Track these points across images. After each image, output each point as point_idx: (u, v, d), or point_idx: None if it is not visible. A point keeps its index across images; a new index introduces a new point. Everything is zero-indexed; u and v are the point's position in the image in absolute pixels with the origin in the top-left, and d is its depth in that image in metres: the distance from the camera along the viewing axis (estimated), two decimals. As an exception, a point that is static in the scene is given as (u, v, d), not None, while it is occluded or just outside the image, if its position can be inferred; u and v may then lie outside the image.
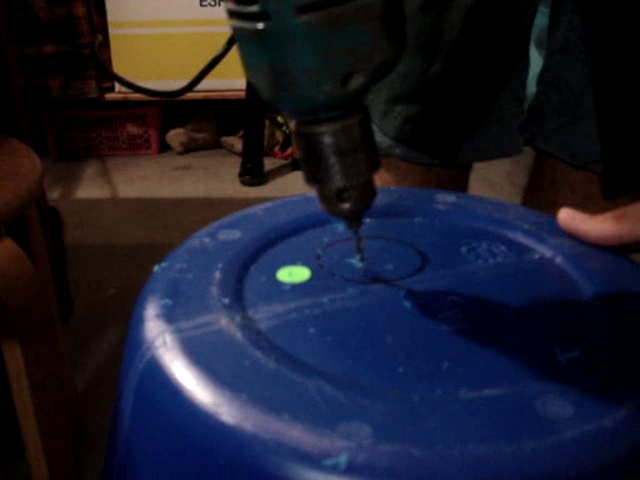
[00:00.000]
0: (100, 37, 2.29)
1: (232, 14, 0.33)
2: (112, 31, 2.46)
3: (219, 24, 2.45)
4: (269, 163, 2.57)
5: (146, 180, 2.49)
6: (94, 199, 2.36)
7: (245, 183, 2.44)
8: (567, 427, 0.30)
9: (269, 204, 0.52)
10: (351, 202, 0.37)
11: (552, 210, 0.76)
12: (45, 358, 0.82)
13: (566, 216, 0.45)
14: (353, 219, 0.38)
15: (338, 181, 0.35)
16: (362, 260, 0.42)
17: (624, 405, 0.31)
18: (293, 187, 2.41)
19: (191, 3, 2.44)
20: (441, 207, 0.51)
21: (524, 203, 0.83)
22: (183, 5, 2.44)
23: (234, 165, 2.53)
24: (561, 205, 0.77)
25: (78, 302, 1.51)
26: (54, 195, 2.31)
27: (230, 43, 0.62)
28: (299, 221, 0.49)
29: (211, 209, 2.20)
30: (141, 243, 2.02)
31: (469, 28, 0.68)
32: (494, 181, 2.04)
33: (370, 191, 0.37)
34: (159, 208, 2.26)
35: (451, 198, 0.52)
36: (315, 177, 0.36)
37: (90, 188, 2.44)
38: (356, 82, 0.32)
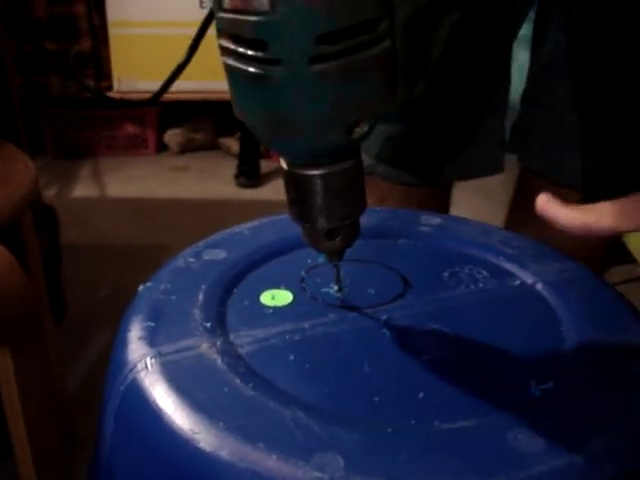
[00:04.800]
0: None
1: (230, 53, 0.31)
2: (112, 31, 2.46)
3: (218, 26, 2.45)
4: (265, 165, 2.57)
5: (143, 180, 2.49)
6: (90, 198, 2.36)
7: (241, 185, 2.44)
8: (538, 462, 0.31)
9: (256, 222, 0.52)
10: (338, 241, 0.37)
11: (534, 226, 0.77)
12: (35, 364, 0.82)
13: (542, 199, 0.46)
14: (336, 255, 0.39)
15: (328, 221, 0.36)
16: (340, 290, 0.43)
17: (595, 440, 0.32)
18: (289, 190, 2.41)
19: (191, 4, 2.44)
20: (425, 229, 0.52)
21: (508, 217, 0.83)
22: (183, 6, 2.44)
23: (230, 167, 2.53)
24: (543, 221, 0.77)
25: (72, 302, 1.51)
26: (50, 193, 2.31)
27: (192, 49, 0.54)
28: (284, 242, 0.49)
29: (207, 210, 2.20)
30: (136, 243, 2.02)
31: (452, 48, 0.68)
32: (489, 189, 2.04)
33: (356, 230, 0.38)
34: (155, 208, 2.26)
35: (436, 220, 0.53)
36: (305, 217, 0.36)
37: (86, 187, 2.44)
38: (361, 130, 0.33)
